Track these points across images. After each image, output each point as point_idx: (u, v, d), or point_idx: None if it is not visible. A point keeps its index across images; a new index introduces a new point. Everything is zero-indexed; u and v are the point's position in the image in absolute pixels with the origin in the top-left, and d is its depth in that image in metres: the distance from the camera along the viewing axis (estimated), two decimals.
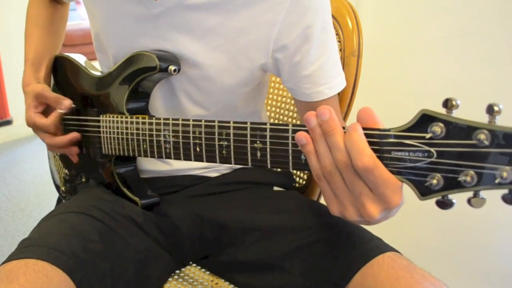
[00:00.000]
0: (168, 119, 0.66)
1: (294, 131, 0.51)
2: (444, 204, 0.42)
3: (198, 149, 0.62)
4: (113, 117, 0.75)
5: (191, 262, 0.82)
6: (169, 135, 0.66)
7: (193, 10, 0.69)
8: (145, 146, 0.70)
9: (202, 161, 0.63)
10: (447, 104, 0.41)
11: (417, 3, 1.24)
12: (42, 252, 0.59)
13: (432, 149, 0.42)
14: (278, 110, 1.03)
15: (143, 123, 0.69)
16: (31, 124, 0.81)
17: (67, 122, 0.84)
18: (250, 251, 0.73)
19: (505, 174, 0.37)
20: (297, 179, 0.98)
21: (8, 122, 2.83)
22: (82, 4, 0.82)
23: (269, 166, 0.55)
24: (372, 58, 1.00)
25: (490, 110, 0.39)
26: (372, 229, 0.69)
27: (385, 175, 0.45)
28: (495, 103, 0.39)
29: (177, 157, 0.66)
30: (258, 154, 0.55)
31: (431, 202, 0.44)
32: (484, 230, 1.17)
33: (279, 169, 0.88)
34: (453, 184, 0.41)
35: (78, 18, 4.04)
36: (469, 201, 0.41)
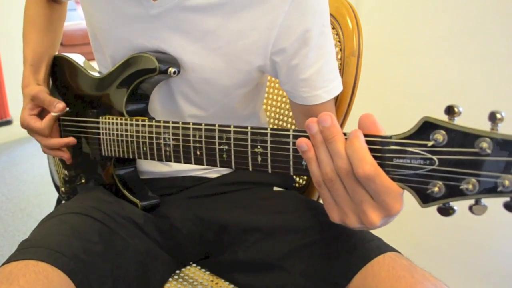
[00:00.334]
0: (168, 122, 0.66)
1: (295, 137, 0.51)
2: (446, 211, 0.42)
3: (198, 153, 0.62)
4: (112, 119, 0.74)
5: (191, 262, 0.82)
6: (169, 138, 0.66)
7: (192, 11, 0.68)
8: (145, 148, 0.70)
9: (203, 164, 0.62)
10: (449, 111, 0.41)
11: (417, 3, 1.24)
12: (42, 253, 0.59)
13: (434, 157, 0.42)
14: (278, 110, 1.03)
15: (143, 125, 0.69)
16: (25, 125, 0.82)
17: (66, 123, 0.84)
18: (251, 251, 0.73)
19: (507, 183, 0.37)
20: (297, 179, 0.98)
21: (8, 122, 2.82)
22: None
23: (270, 171, 0.55)
24: (372, 58, 1.00)
25: (493, 117, 0.39)
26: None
27: (386, 183, 0.45)
28: (498, 111, 0.38)
29: (178, 160, 0.66)
30: (259, 158, 0.55)
31: None
32: (484, 230, 1.17)
33: None
34: (454, 192, 0.41)
35: (78, 18, 4.03)
36: (470, 208, 0.41)
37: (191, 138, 0.62)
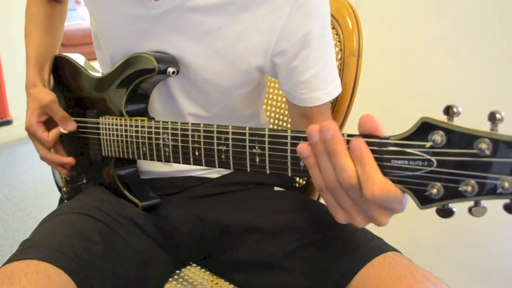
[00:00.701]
0: (167, 122, 0.66)
1: (293, 138, 0.51)
2: (445, 213, 0.42)
3: (197, 153, 0.62)
4: (112, 119, 0.74)
5: (191, 262, 0.82)
6: (168, 139, 0.66)
7: (194, 12, 0.68)
8: (144, 149, 0.70)
9: (202, 165, 0.62)
10: (448, 111, 0.40)
11: (417, 3, 1.23)
12: (43, 253, 0.60)
13: (432, 158, 0.41)
14: (278, 110, 1.03)
15: (142, 126, 0.69)
16: (30, 131, 0.81)
17: None
18: (251, 251, 0.73)
19: (506, 184, 0.37)
20: (298, 179, 0.98)
21: (8, 122, 2.83)
22: (82, 4, 0.82)
23: (268, 172, 0.55)
24: (372, 58, 1.00)
25: (492, 117, 0.38)
26: (372, 229, 0.69)
27: (394, 195, 0.44)
28: (497, 111, 0.38)
29: (176, 161, 0.66)
30: (257, 159, 0.55)
31: None
32: (484, 230, 1.17)
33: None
34: (453, 194, 0.40)
35: (78, 18, 4.04)
36: (470, 210, 0.40)
37: (190, 139, 0.62)
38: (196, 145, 0.62)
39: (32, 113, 0.80)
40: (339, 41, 0.87)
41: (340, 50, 0.87)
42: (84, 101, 0.82)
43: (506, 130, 0.38)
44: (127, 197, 0.77)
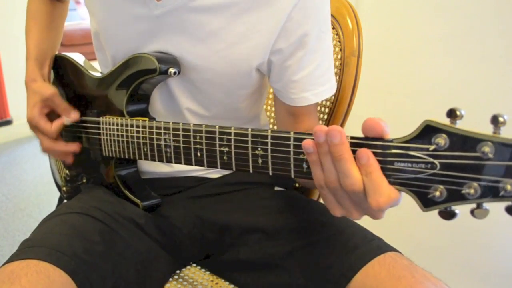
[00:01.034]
0: (168, 123, 0.65)
1: (296, 139, 0.51)
2: (447, 215, 0.42)
3: (199, 154, 0.62)
4: (113, 119, 0.74)
5: (191, 262, 0.82)
6: (169, 139, 0.65)
7: (197, 12, 0.68)
8: (145, 149, 0.70)
9: (203, 166, 0.62)
10: (451, 114, 0.41)
11: (417, 3, 1.24)
12: (43, 253, 0.60)
13: (435, 161, 0.41)
14: None
15: (143, 126, 0.69)
16: (33, 123, 0.80)
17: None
18: (251, 251, 0.73)
19: (509, 187, 0.37)
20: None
21: (8, 122, 2.81)
22: (82, 4, 0.82)
23: (270, 173, 0.55)
24: (372, 58, 1.00)
25: (495, 121, 0.38)
26: (372, 229, 0.69)
27: (395, 201, 0.45)
28: (500, 114, 0.38)
29: (178, 162, 0.66)
30: (260, 161, 0.55)
31: None
32: (484, 230, 1.17)
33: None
34: (456, 196, 0.41)
35: (78, 18, 4.03)
36: (472, 212, 0.40)
37: (192, 140, 0.62)
38: (198, 146, 0.62)
39: (34, 106, 0.79)
40: (339, 41, 0.87)
41: (340, 50, 0.87)
42: (85, 101, 0.82)
43: (506, 130, 0.39)
44: (128, 197, 0.77)
